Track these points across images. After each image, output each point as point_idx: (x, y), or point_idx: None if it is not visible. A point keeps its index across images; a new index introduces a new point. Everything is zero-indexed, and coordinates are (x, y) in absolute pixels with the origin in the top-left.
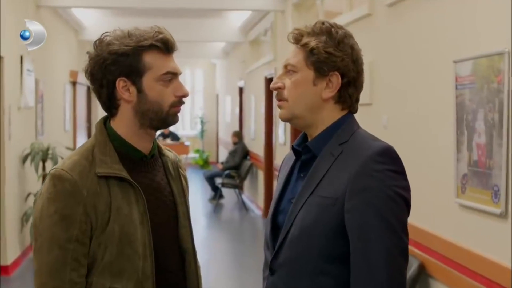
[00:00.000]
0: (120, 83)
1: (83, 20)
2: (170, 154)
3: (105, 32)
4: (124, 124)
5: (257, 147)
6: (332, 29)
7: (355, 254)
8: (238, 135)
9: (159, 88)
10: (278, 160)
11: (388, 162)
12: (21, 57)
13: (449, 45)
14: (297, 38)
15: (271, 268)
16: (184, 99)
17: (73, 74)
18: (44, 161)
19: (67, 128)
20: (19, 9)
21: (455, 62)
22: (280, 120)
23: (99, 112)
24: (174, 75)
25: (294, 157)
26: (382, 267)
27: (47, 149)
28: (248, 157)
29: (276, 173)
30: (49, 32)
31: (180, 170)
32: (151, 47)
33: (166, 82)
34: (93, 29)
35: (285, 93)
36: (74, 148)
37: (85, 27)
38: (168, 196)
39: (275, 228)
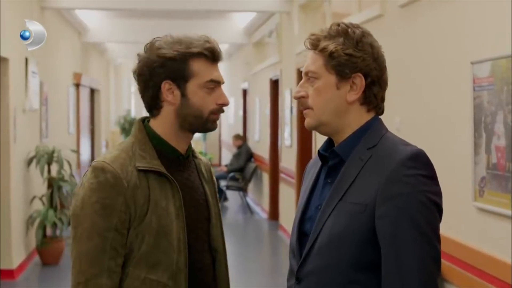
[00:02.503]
0: (166, 86)
1: (87, 22)
2: (203, 158)
3: (156, 37)
4: (165, 125)
5: (262, 149)
6: (349, 30)
7: (387, 262)
8: (241, 138)
9: (202, 95)
10: (284, 162)
11: (420, 167)
12: (26, 59)
13: (466, 46)
14: (314, 44)
15: (297, 277)
16: (224, 108)
17: (77, 76)
18: (49, 164)
19: (71, 130)
20: (23, 11)
21: (472, 63)
22: (286, 123)
23: (102, 115)
24: (217, 83)
25: (319, 163)
26: (415, 275)
27: (52, 152)
28: (253, 159)
29: (282, 175)
30: (53, 34)
31: (211, 173)
32: (199, 55)
33: (209, 90)
34: (96, 31)
35: (309, 101)
36: (78, 151)
37: (88, 29)
38: (201, 196)
39: (301, 236)
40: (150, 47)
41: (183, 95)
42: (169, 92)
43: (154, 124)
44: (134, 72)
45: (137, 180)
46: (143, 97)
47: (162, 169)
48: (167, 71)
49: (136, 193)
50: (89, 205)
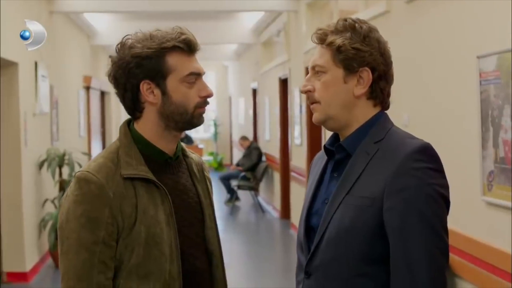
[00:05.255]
0: (144, 86)
1: (95, 25)
2: (194, 156)
3: (127, 35)
4: (149, 127)
5: (272, 148)
6: (356, 25)
7: (395, 255)
8: (247, 139)
9: (184, 90)
10: (294, 161)
11: (427, 160)
12: (36, 63)
13: (471, 40)
14: (322, 38)
15: (306, 271)
16: (208, 99)
17: (87, 79)
18: (60, 167)
19: (81, 133)
20: (32, 15)
21: (478, 57)
22: (295, 121)
23: (113, 117)
24: (197, 75)
25: (325, 157)
26: (423, 268)
27: (63, 155)
28: (264, 159)
29: (293, 174)
30: (62, 37)
31: (204, 172)
32: (174, 48)
33: (190, 83)
34: (105, 34)
35: (316, 95)
36: (89, 153)
37: (97, 32)
38: (194, 197)
39: (308, 230)
40: (122, 47)
41: (164, 93)
42: (148, 92)
43: (139, 127)
44: (109, 76)
45: (123, 189)
46: (122, 101)
47: (149, 175)
48: (144, 70)
49: (122, 202)
50: (74, 218)
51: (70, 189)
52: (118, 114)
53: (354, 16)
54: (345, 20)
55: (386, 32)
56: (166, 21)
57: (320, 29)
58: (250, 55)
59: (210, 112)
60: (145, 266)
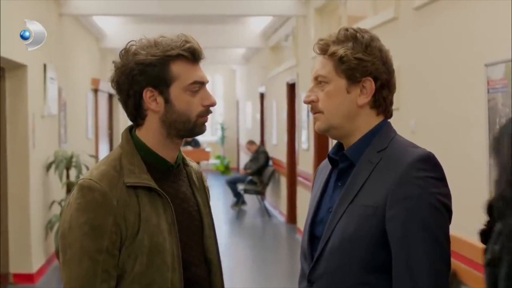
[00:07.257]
0: (147, 93)
1: (104, 28)
2: (193, 164)
3: (131, 41)
4: (151, 134)
5: (279, 153)
6: (358, 34)
7: (397, 264)
8: (255, 143)
9: (187, 98)
10: (301, 166)
11: (429, 169)
12: (45, 66)
13: (479, 48)
14: (324, 49)
15: (309, 279)
16: (211, 108)
17: (95, 81)
18: (68, 169)
19: (89, 135)
20: (41, 18)
21: (486, 65)
22: (303, 126)
23: (121, 120)
24: (201, 84)
25: (329, 166)
26: (425, 277)
27: (71, 157)
28: (270, 163)
29: (300, 179)
30: (71, 40)
31: (203, 181)
32: (178, 56)
33: (193, 92)
34: (114, 37)
35: (320, 105)
36: (97, 156)
37: (106, 34)
38: (193, 206)
39: (312, 238)
40: (126, 53)
41: (167, 101)
42: (151, 100)
43: (141, 134)
44: (112, 81)
45: (127, 197)
46: (125, 107)
47: (152, 184)
48: (148, 78)
49: (126, 211)
50: (77, 226)
51: (72, 197)
52: (126, 117)
53: (361, 23)
54: (347, 30)
55: (394, 39)
56: (174, 25)
57: (321, 40)
58: (258, 59)
59: (218, 116)
60: (148, 275)
